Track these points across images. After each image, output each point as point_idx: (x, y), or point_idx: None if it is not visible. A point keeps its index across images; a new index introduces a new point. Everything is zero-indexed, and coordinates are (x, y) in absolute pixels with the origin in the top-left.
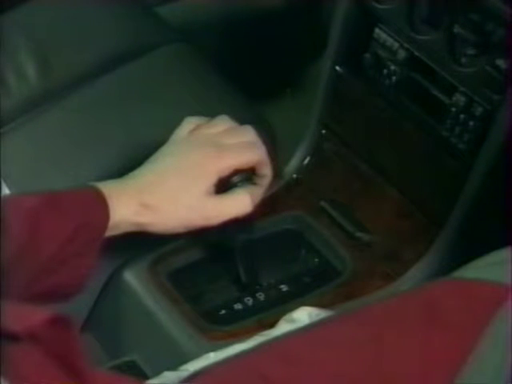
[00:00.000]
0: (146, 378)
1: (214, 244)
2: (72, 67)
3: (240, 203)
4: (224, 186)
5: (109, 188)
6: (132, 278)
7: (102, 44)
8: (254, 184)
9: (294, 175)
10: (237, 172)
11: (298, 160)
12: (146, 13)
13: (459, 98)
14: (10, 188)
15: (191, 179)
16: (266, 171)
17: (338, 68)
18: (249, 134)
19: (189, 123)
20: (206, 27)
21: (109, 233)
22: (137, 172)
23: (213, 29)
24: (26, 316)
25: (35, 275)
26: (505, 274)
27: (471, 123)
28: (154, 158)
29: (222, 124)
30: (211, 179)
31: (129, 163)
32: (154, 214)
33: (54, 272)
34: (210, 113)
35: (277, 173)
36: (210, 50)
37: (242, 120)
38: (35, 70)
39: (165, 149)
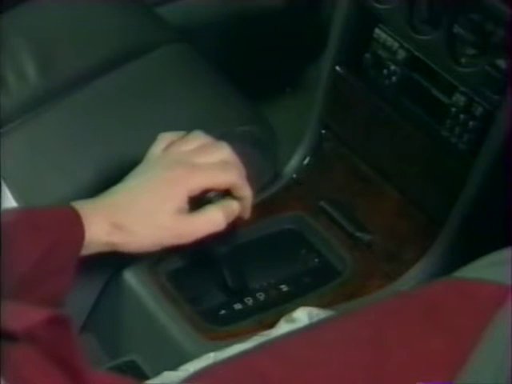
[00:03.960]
0: (146, 378)
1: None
2: (72, 67)
3: (211, 221)
4: (199, 202)
5: (82, 207)
6: (132, 278)
7: (102, 44)
8: (233, 198)
9: (294, 175)
10: (211, 189)
11: (297, 160)
12: (146, 12)
13: (459, 98)
14: (10, 188)
15: (161, 199)
16: (243, 193)
17: (337, 68)
18: (223, 152)
19: (163, 140)
20: (206, 27)
21: (82, 252)
22: (111, 190)
23: (213, 29)
24: (24, 316)
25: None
26: (505, 274)
27: (471, 123)
28: (128, 176)
29: (196, 141)
30: (181, 199)
31: (129, 163)
32: (126, 234)
33: (30, 290)
34: (210, 112)
35: (270, 179)
36: (210, 50)
37: (242, 120)
38: (35, 70)
39: (139, 168)
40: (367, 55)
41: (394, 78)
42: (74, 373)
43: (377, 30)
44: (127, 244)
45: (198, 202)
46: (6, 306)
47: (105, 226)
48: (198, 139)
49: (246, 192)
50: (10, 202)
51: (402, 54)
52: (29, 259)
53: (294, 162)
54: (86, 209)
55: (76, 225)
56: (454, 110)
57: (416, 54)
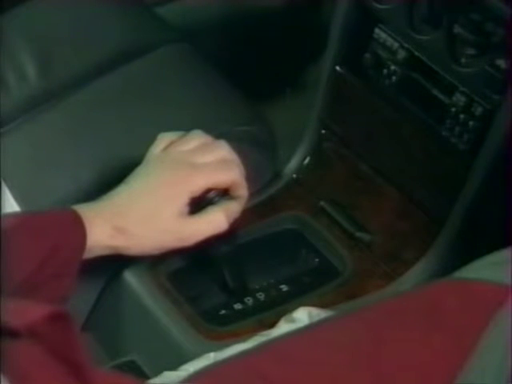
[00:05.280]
0: (146, 377)
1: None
2: (72, 67)
3: (214, 223)
4: (199, 203)
5: (83, 210)
6: (132, 278)
7: (102, 44)
8: (232, 198)
9: (294, 175)
10: (212, 189)
11: (297, 160)
12: (145, 13)
13: (459, 98)
14: (10, 188)
15: (162, 200)
16: (241, 192)
17: (337, 68)
18: (223, 151)
19: (162, 140)
20: (206, 27)
21: (84, 256)
22: (112, 193)
23: (213, 29)
24: (25, 312)
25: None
26: (505, 274)
27: (471, 123)
28: (129, 178)
29: (195, 140)
30: (182, 200)
31: (129, 163)
32: (128, 238)
33: (31, 293)
34: (210, 112)
35: (270, 179)
36: (210, 50)
37: (241, 120)
38: (35, 70)
39: (140, 168)
40: (367, 55)
41: (394, 78)
42: (76, 369)
43: (377, 30)
44: (129, 247)
45: (199, 202)
46: (7, 302)
47: (107, 230)
48: (198, 138)
49: (244, 191)
50: (11, 202)
51: (401, 54)
52: (30, 263)
53: (294, 162)
54: (87, 212)
55: (78, 228)
56: (453, 109)
57: (416, 54)
